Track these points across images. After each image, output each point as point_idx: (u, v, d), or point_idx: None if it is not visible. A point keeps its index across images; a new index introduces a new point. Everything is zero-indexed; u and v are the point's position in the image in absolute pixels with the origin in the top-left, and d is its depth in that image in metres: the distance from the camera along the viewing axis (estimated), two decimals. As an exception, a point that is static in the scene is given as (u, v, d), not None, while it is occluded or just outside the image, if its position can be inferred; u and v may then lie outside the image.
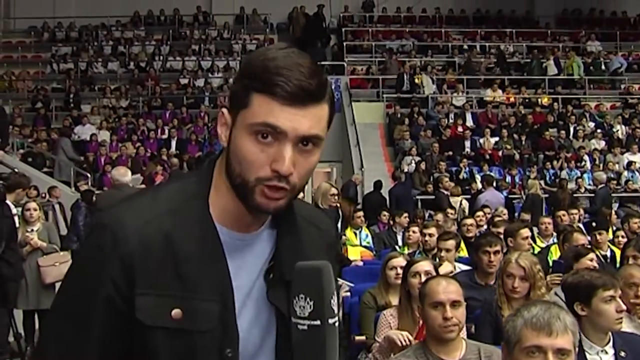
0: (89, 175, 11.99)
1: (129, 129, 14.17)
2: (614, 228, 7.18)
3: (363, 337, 3.77)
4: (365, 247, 7.00)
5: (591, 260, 3.68)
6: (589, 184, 12.57)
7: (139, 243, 1.12)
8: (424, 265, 3.45)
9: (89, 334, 1.12)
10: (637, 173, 12.98)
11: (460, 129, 13.96)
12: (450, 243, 4.70)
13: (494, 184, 11.50)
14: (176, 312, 1.12)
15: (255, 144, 1.11)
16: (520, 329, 1.93)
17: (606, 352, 2.62)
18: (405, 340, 2.94)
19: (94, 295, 1.12)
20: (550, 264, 4.84)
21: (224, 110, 1.17)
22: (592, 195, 11.96)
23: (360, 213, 7.76)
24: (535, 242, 5.98)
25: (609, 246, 5.87)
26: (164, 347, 1.12)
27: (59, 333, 1.15)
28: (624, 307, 2.66)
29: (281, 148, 1.11)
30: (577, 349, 1.96)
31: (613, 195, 11.90)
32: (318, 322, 1.05)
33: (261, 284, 1.20)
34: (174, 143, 13.65)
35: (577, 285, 2.70)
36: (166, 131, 14.04)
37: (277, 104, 1.10)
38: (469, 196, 11.23)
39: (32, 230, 5.61)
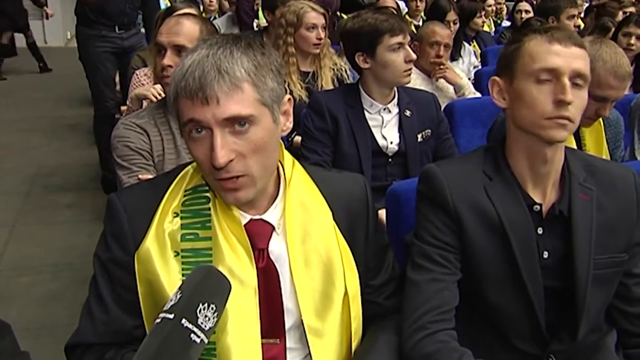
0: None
1: None
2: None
3: (124, 107, 3.20)
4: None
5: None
6: None
7: None
8: None
9: None
10: None
11: None
12: None
13: None
14: None
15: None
16: None
17: (389, 111, 2.33)
18: (159, 94, 2.28)
19: None
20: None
21: None
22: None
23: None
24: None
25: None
26: None
27: None
28: (414, 57, 2.29)
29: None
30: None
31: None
32: (171, 316, 0.93)
33: None
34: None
35: (359, 31, 2.25)
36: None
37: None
38: None
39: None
